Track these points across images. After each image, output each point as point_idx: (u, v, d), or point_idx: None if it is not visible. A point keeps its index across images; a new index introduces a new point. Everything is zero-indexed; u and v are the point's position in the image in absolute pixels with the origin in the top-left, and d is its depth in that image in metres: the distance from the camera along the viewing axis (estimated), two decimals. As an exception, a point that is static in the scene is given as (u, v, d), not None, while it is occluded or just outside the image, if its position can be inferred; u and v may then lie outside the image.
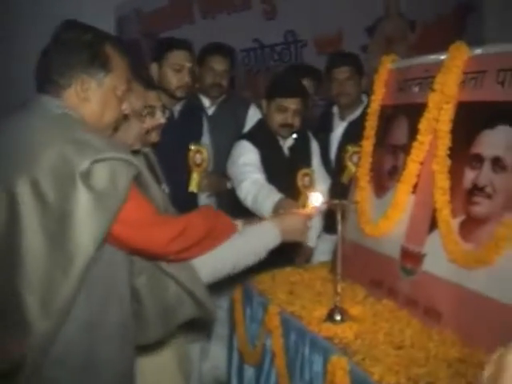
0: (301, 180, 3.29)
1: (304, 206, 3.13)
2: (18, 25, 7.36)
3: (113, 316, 1.71)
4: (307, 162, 3.40)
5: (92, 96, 1.77)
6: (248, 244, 2.21)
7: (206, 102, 3.77)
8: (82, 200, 1.54)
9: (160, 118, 2.36)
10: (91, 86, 1.76)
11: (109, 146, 1.64)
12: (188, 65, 3.27)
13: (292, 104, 3.20)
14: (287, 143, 3.34)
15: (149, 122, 2.28)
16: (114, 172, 1.59)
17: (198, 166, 3.31)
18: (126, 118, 2.04)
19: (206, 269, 2.08)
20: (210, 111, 3.77)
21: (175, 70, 3.22)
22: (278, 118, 3.23)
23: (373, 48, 5.07)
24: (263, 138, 3.30)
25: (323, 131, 3.66)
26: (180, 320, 1.97)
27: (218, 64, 3.61)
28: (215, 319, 2.11)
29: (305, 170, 3.32)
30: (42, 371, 1.60)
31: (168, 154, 2.79)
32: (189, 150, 3.31)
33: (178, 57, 3.26)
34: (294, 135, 3.36)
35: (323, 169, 3.55)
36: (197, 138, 3.41)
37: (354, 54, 3.86)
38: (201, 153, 3.32)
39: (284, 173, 3.26)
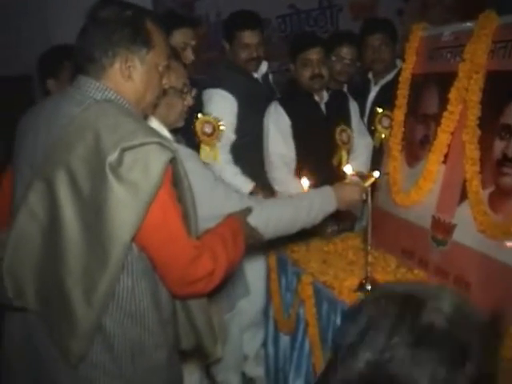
0: (339, 135, 3.30)
1: (340, 161, 3.18)
2: None
3: (153, 310, 1.71)
4: (346, 120, 3.40)
5: (135, 74, 1.72)
6: (308, 205, 2.25)
7: None
8: (114, 191, 1.51)
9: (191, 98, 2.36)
10: (134, 64, 1.71)
11: (142, 131, 1.59)
12: (192, 43, 3.21)
13: (314, 54, 3.23)
14: (323, 100, 3.35)
15: (189, 100, 2.26)
16: (145, 158, 1.54)
17: (209, 136, 3.23)
18: (164, 93, 2.01)
19: (270, 224, 2.14)
20: None
21: (180, 49, 3.05)
22: (305, 73, 3.25)
23: (409, 12, 4.98)
24: (297, 97, 3.32)
25: (360, 96, 3.63)
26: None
27: (250, 38, 3.39)
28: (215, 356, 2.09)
29: (342, 126, 3.33)
30: (89, 358, 1.63)
31: None
32: (195, 119, 3.18)
33: (182, 35, 3.16)
34: (328, 91, 3.38)
35: (365, 128, 3.55)
36: None
37: (387, 20, 3.80)
38: (209, 122, 3.23)
39: (322, 129, 3.29)
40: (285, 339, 2.85)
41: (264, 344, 3.11)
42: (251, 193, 3.10)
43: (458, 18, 4.38)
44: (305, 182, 2.51)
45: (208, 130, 3.21)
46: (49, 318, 1.66)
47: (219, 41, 5.83)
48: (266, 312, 3.06)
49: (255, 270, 3.05)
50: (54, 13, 5.35)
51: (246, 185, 3.16)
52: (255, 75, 3.45)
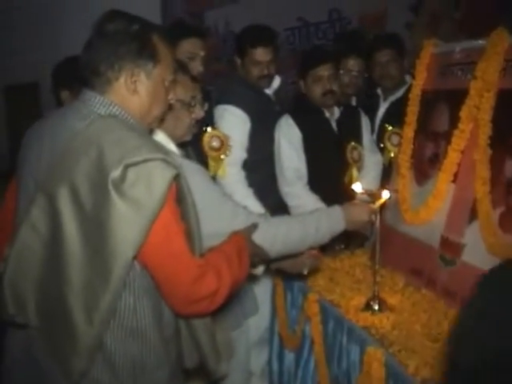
0: (350, 153, 3.27)
1: (351, 179, 3.14)
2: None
3: (155, 328, 1.69)
4: (357, 137, 3.38)
5: (141, 88, 1.71)
6: (316, 224, 2.22)
7: None
8: (116, 209, 1.49)
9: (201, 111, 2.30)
10: (140, 78, 1.70)
11: (146, 147, 1.57)
12: (202, 53, 3.15)
13: (325, 71, 3.20)
14: (334, 116, 3.33)
15: (198, 113, 2.23)
16: (149, 175, 1.52)
17: (216, 150, 3.16)
18: (170, 108, 1.98)
19: (277, 241, 2.11)
20: None
21: (188, 59, 2.99)
22: (317, 89, 3.22)
23: (417, 26, 4.96)
24: (307, 113, 3.30)
25: (369, 112, 3.61)
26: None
27: (263, 55, 3.29)
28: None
29: (353, 144, 3.30)
30: (90, 375, 1.60)
31: None
32: (203, 132, 3.10)
33: (190, 45, 3.09)
34: (340, 107, 3.35)
35: (375, 145, 3.52)
36: None
37: (395, 35, 3.78)
38: (217, 136, 3.17)
39: (332, 146, 3.26)
40: (290, 356, 2.82)
41: (269, 360, 3.08)
42: None
43: (467, 34, 4.37)
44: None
45: (216, 144, 3.16)
46: (50, 335, 1.63)
47: (228, 52, 5.86)
48: (271, 327, 3.03)
49: (263, 287, 3.02)
50: (65, 21, 5.38)
51: (256, 209, 2.98)
52: (267, 91, 3.40)
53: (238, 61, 3.37)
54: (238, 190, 3.11)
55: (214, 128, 3.18)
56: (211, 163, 3.16)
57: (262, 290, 3.03)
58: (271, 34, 3.40)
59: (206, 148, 3.14)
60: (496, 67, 2.19)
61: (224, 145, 3.17)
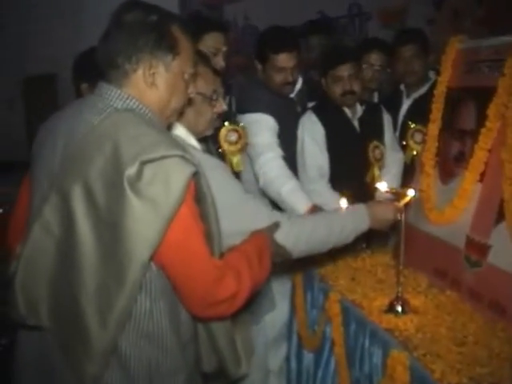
0: (372, 152, 3.22)
1: (373, 178, 3.09)
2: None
3: (172, 332, 1.64)
4: (379, 135, 3.31)
5: (159, 81, 1.66)
6: (341, 223, 2.19)
7: None
8: (132, 208, 1.44)
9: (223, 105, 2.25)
10: (159, 70, 1.64)
11: (163, 143, 1.52)
12: (224, 48, 3.08)
13: (345, 71, 3.13)
14: (356, 115, 3.27)
15: (219, 107, 2.18)
16: (166, 172, 1.47)
17: (233, 144, 3.09)
18: (190, 102, 1.93)
19: (300, 240, 2.08)
20: None
21: (210, 53, 2.87)
22: (336, 89, 3.16)
23: (439, 22, 4.89)
24: (329, 111, 3.24)
25: (391, 109, 3.55)
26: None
27: (287, 62, 3.14)
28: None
29: (375, 143, 3.24)
30: (104, 380, 1.56)
31: None
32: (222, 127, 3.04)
33: (213, 39, 3.02)
34: (362, 105, 3.29)
35: (397, 143, 3.45)
36: None
37: (420, 31, 3.71)
38: (236, 131, 3.10)
39: (354, 145, 3.20)
40: (308, 356, 2.78)
41: (287, 359, 3.04)
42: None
43: (490, 30, 4.30)
44: (343, 203, 2.41)
45: (233, 138, 3.10)
46: (62, 338, 1.59)
47: (247, 45, 5.82)
48: (289, 326, 2.99)
49: (281, 284, 2.98)
50: (85, 12, 5.36)
51: (303, 203, 2.93)
52: (291, 95, 3.32)
53: (259, 66, 3.24)
54: (286, 184, 3.01)
55: (231, 122, 3.12)
56: (230, 157, 3.10)
57: (282, 290, 3.00)
58: (294, 38, 3.27)
59: (222, 141, 3.07)
60: (526, 64, 2.14)
61: (242, 138, 3.11)
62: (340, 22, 6.05)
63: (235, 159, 3.14)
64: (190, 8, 8.03)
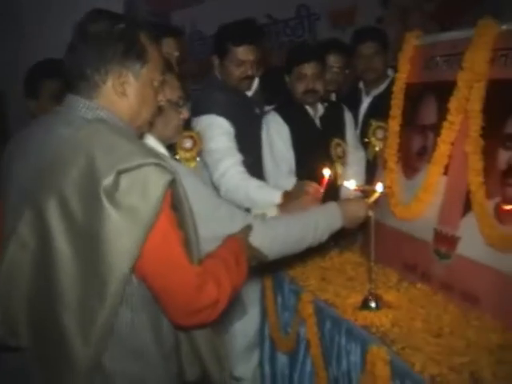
0: (334, 150, 3.23)
1: (335, 176, 3.09)
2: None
3: (155, 343, 1.62)
4: (340, 133, 3.33)
5: (129, 90, 1.63)
6: (314, 222, 2.18)
7: None
8: (110, 218, 1.41)
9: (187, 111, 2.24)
10: (128, 80, 1.62)
11: (138, 152, 1.49)
12: (176, 53, 3.06)
13: (309, 69, 3.13)
14: (318, 113, 3.28)
15: (185, 113, 2.17)
16: (143, 181, 1.44)
17: (188, 151, 3.02)
18: (160, 110, 1.90)
19: (276, 242, 2.07)
20: None
21: None
22: (299, 86, 3.17)
23: (388, 19, 4.96)
24: (292, 110, 3.25)
25: (351, 107, 3.58)
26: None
27: (247, 54, 3.06)
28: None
29: (337, 140, 3.26)
30: None
31: None
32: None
33: (164, 45, 2.96)
34: (324, 104, 3.31)
35: (358, 141, 3.47)
36: None
37: (379, 29, 3.77)
38: (191, 137, 3.01)
39: (316, 143, 3.21)
40: (282, 358, 2.77)
41: (260, 364, 3.02)
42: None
43: (441, 25, 4.39)
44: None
45: (188, 144, 3.02)
46: (44, 357, 1.53)
47: (195, 52, 5.76)
48: (261, 331, 2.97)
49: (251, 290, 2.95)
50: (32, 27, 5.24)
51: (275, 193, 2.83)
52: (248, 93, 3.24)
53: (217, 61, 3.16)
54: (250, 184, 2.95)
55: (186, 128, 2.92)
56: (186, 164, 3.00)
57: (251, 293, 2.97)
58: (256, 30, 3.23)
59: (178, 148, 2.99)
60: (485, 57, 2.17)
61: (197, 145, 3.04)
62: (288, 24, 6.08)
63: (191, 166, 3.08)
64: (136, 16, 7.95)
